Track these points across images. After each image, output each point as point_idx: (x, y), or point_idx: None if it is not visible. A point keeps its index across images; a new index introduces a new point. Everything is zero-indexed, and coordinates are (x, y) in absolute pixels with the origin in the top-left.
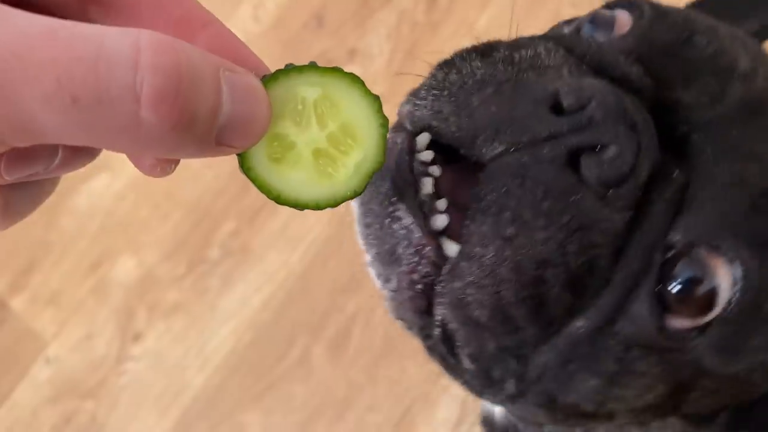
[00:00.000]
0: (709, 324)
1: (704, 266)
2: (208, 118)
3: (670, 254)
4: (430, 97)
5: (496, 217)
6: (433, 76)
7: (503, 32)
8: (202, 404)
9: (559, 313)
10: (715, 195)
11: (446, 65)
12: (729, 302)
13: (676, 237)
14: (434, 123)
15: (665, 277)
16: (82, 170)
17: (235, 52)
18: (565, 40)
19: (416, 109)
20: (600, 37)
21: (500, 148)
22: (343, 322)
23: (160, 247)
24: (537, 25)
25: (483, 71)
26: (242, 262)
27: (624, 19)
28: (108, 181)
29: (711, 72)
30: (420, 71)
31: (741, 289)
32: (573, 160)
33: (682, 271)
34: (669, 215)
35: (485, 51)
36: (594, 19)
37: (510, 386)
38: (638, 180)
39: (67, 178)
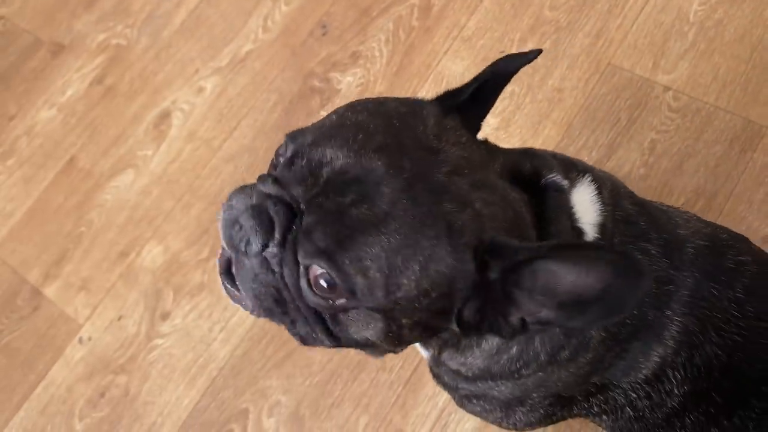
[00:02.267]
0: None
1: (329, 271)
2: None
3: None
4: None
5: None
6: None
7: (490, 34)
8: (228, 373)
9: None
10: (307, 228)
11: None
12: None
13: (303, 262)
14: None
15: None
16: (107, 168)
17: None
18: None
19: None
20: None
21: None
22: None
23: (184, 235)
24: (520, 28)
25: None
26: None
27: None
28: (132, 178)
29: (308, 172)
30: (416, 71)
31: (329, 277)
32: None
33: (313, 279)
34: (294, 251)
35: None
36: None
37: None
38: (277, 241)
39: (93, 177)
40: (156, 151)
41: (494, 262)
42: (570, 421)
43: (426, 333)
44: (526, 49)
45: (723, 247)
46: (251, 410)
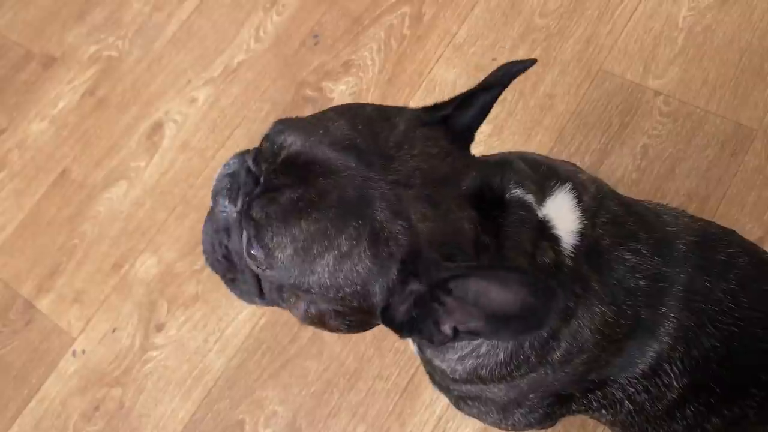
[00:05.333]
0: None
1: (253, 240)
2: None
3: None
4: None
5: None
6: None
7: (481, 42)
8: (223, 385)
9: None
10: (253, 200)
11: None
12: None
13: (245, 227)
14: None
15: None
16: (100, 180)
17: None
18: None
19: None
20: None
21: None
22: None
23: (178, 246)
24: (511, 35)
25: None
26: None
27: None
28: (125, 189)
29: (272, 152)
30: (408, 79)
31: (254, 246)
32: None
33: (245, 245)
34: (246, 218)
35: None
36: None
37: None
38: (238, 207)
39: (86, 188)
40: (149, 162)
41: (421, 277)
42: (570, 418)
43: (353, 326)
44: (517, 56)
45: (713, 241)
46: (247, 421)
